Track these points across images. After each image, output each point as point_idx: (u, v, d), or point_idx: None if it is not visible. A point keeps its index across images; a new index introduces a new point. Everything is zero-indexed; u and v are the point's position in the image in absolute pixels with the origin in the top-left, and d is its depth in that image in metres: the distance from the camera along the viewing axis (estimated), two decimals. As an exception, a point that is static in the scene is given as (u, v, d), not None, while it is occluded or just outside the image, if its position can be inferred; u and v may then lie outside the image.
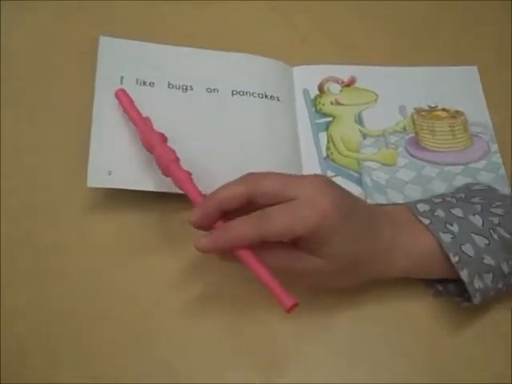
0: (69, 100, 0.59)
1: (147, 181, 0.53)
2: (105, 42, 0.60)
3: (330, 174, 0.58)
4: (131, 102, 0.55)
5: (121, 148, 0.55)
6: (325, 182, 0.46)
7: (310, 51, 0.65)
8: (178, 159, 0.50)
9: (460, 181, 0.58)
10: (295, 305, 0.43)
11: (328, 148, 0.60)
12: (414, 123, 0.62)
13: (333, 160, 0.59)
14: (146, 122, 0.53)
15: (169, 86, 0.59)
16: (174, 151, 0.50)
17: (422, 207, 0.49)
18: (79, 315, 0.50)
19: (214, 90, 0.60)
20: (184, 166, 0.51)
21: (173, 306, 0.50)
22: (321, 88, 0.63)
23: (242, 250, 0.44)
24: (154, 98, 0.58)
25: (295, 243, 0.46)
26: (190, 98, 0.59)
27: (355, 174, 0.58)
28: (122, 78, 0.58)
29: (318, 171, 0.58)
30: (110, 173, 0.53)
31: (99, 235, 0.53)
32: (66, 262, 0.52)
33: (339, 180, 0.58)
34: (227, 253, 0.46)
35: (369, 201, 0.56)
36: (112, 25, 0.63)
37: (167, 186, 0.52)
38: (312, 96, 0.63)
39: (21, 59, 0.62)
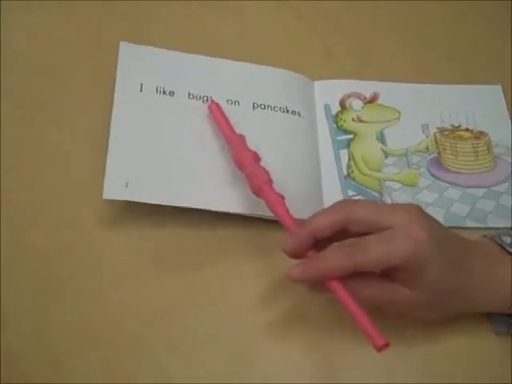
0: (86, 108, 0.59)
1: (167, 194, 0.52)
2: (125, 47, 0.60)
3: (350, 193, 0.57)
4: (225, 116, 0.56)
5: (139, 159, 0.54)
6: (418, 211, 0.46)
7: (333, 65, 0.65)
8: (271, 181, 0.50)
9: (483, 204, 0.57)
10: (386, 345, 0.42)
11: (349, 166, 0.59)
12: (436, 143, 0.61)
13: (353, 179, 0.58)
14: (240, 139, 0.53)
15: (189, 96, 0.59)
16: (267, 172, 0.51)
17: (507, 239, 0.48)
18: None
19: (235, 102, 0.59)
20: (203, 179, 0.53)
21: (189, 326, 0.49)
22: (342, 104, 0.63)
23: (334, 281, 0.44)
24: (173, 108, 0.57)
25: (386, 274, 0.46)
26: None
27: (376, 194, 0.58)
28: (141, 85, 0.58)
29: (339, 190, 0.58)
30: (126, 184, 0.52)
31: (118, 249, 0.52)
32: (87, 278, 0.51)
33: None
34: (318, 283, 0.46)
35: None
36: (133, 31, 0.63)
37: (188, 200, 0.52)
38: (333, 112, 0.62)
39: (31, 64, 0.61)
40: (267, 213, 0.51)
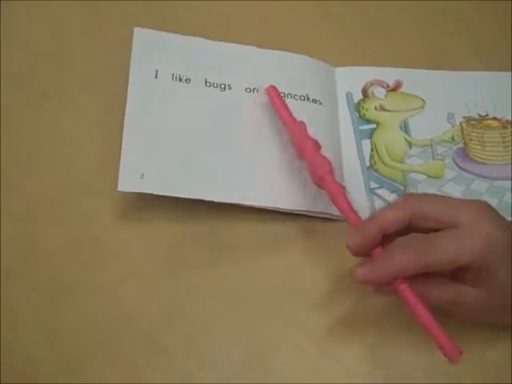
0: (99, 95, 0.58)
1: (185, 186, 0.52)
2: (139, 33, 0.59)
3: (372, 185, 0.57)
4: (283, 101, 0.55)
5: (155, 149, 0.53)
6: (486, 207, 0.45)
7: (355, 51, 0.64)
8: (332, 170, 0.50)
9: (510, 198, 0.56)
10: (459, 355, 0.41)
11: (371, 157, 0.58)
12: (462, 132, 0.60)
13: (376, 170, 0.57)
14: (301, 126, 0.53)
15: (206, 84, 0.58)
16: (329, 162, 0.50)
17: None
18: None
19: (254, 90, 0.58)
20: (223, 170, 0.53)
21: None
22: (365, 92, 0.61)
23: (402, 284, 0.43)
24: (190, 96, 0.57)
25: (454, 274, 0.45)
26: (228, 98, 0.57)
27: (400, 187, 0.56)
28: (156, 71, 0.57)
29: (361, 182, 0.57)
30: (142, 176, 0.51)
31: (130, 245, 0.51)
32: (108, 273, 0.50)
33: (383, 192, 0.56)
34: (384, 285, 0.44)
35: None
36: (147, 18, 0.62)
37: (209, 192, 0.52)
38: (355, 100, 0.61)
39: (47, 52, 0.60)
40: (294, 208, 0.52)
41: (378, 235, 0.44)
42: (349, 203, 0.48)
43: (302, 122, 0.53)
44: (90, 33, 0.61)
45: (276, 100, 0.55)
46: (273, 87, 0.56)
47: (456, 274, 0.44)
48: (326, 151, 0.55)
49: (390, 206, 0.46)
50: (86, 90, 0.58)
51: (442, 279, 0.45)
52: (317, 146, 0.52)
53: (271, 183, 0.54)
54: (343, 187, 0.49)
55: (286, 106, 0.55)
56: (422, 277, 0.43)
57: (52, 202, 0.52)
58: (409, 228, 0.45)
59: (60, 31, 0.61)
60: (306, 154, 0.51)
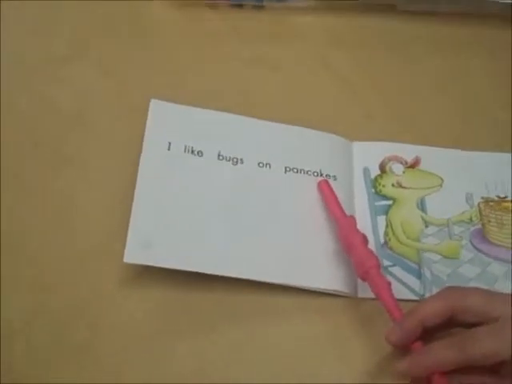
0: (114, 164, 0.64)
1: (195, 260, 0.57)
2: (155, 105, 0.66)
3: (386, 263, 0.62)
4: (334, 195, 0.62)
5: (165, 220, 0.59)
6: None
7: (373, 126, 0.70)
8: (379, 265, 0.56)
9: None
10: None
11: (386, 234, 0.64)
12: (480, 214, 0.66)
13: (391, 248, 0.63)
14: (351, 221, 0.59)
15: (219, 157, 0.64)
16: (375, 256, 0.56)
17: None
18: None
19: (267, 164, 0.65)
20: (231, 247, 0.58)
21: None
22: (382, 167, 0.68)
23: (441, 378, 0.49)
24: (202, 169, 0.63)
25: (494, 368, 0.49)
26: (240, 172, 0.64)
27: (414, 266, 0.62)
28: (169, 144, 0.64)
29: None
30: (150, 247, 0.57)
31: (136, 312, 0.57)
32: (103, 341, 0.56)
33: (397, 270, 0.62)
34: (423, 378, 0.50)
35: (427, 294, 0.60)
36: (167, 87, 0.70)
37: (217, 267, 0.57)
38: (372, 175, 0.67)
39: (64, 117, 0.68)
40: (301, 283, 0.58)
41: (418, 328, 0.50)
42: (394, 300, 0.54)
43: (351, 217, 0.60)
44: (111, 102, 0.69)
45: (328, 195, 0.61)
46: (325, 182, 0.62)
47: (496, 367, 0.49)
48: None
49: (430, 298, 0.52)
50: (103, 158, 0.65)
51: (481, 372, 0.49)
52: (365, 240, 0.57)
53: (293, 260, 0.59)
54: (389, 283, 0.54)
55: (337, 201, 0.61)
56: (462, 369, 0.48)
57: (62, 270, 0.58)
58: (450, 321, 0.50)
59: (83, 98, 0.69)
60: (354, 249, 0.56)
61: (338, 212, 0.60)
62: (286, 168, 0.65)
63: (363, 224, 0.63)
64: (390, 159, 0.68)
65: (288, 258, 0.60)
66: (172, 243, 0.58)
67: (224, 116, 0.67)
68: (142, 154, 0.62)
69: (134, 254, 0.56)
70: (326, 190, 0.62)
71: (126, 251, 0.56)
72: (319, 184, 0.63)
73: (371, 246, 0.61)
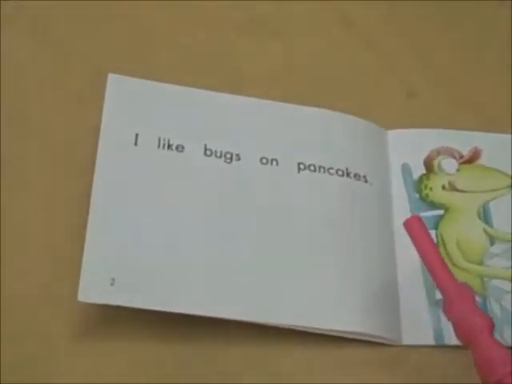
0: (59, 171, 0.62)
1: (175, 297, 0.54)
2: (115, 82, 0.62)
3: (439, 296, 0.56)
4: (431, 241, 0.55)
5: (133, 246, 0.56)
6: None
7: (415, 108, 0.68)
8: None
9: None
10: None
11: None
12: None
13: None
14: (465, 291, 0.53)
15: (205, 153, 0.61)
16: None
17: None
18: None
19: (272, 161, 0.61)
20: (225, 278, 0.56)
21: None
22: (429, 164, 0.64)
23: None
24: (183, 170, 0.60)
25: None
26: (236, 172, 0.61)
27: (478, 299, 0.58)
28: (136, 136, 0.60)
29: (422, 292, 0.59)
30: (113, 282, 0.54)
31: (98, 366, 0.54)
32: None
33: None
34: None
35: (497, 337, 0.55)
36: (129, 60, 0.67)
37: (206, 306, 0.54)
38: (415, 175, 0.64)
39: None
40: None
41: None
42: None
43: (465, 285, 0.53)
44: (53, 81, 0.66)
45: (419, 239, 0.55)
46: (416, 219, 0.55)
47: None
48: (372, 247, 0.60)
49: None
50: (42, 161, 0.62)
51: None
52: (490, 325, 0.51)
53: (312, 294, 0.57)
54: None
55: (437, 253, 0.55)
56: None
57: (4, 311, 0.55)
58: None
59: (14, 77, 0.66)
60: (476, 344, 0.51)
61: (443, 275, 0.53)
62: (299, 165, 0.62)
63: (405, 243, 0.58)
64: (438, 152, 0.65)
65: (305, 291, 0.57)
66: (143, 274, 0.55)
67: (211, 96, 0.64)
68: (99, 153, 0.58)
69: (93, 290, 0.53)
70: (416, 231, 0.55)
71: (80, 287, 0.52)
72: (407, 224, 0.56)
73: (416, 273, 0.59)
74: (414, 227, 0.55)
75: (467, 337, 0.51)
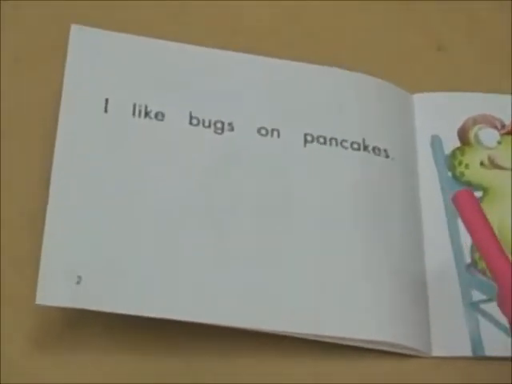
0: (16, 146, 0.60)
1: (157, 299, 0.53)
2: (79, 34, 0.61)
3: (476, 296, 0.57)
4: (487, 220, 0.54)
5: (103, 237, 0.54)
6: None
7: (447, 67, 0.67)
8: None
9: None
10: None
11: (475, 248, 0.58)
12: None
13: (482, 271, 0.58)
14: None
15: (191, 122, 0.59)
16: None
17: None
18: None
19: (273, 131, 0.60)
20: (219, 274, 0.54)
21: None
22: (464, 135, 0.63)
23: None
24: (164, 144, 0.58)
25: None
26: (228, 145, 0.59)
27: None
28: (106, 101, 0.58)
29: (456, 290, 0.57)
30: (79, 280, 0.52)
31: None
32: None
33: (493, 308, 0.55)
34: None
35: None
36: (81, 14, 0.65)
37: (197, 310, 0.53)
38: (448, 149, 0.63)
39: None
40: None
41: None
42: None
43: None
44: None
45: (469, 213, 0.54)
46: (468, 193, 0.54)
47: None
48: (395, 237, 0.59)
49: None
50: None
51: None
52: None
53: (326, 298, 0.55)
54: None
55: (493, 234, 0.53)
56: None
57: None
58: None
59: None
60: None
61: (500, 261, 0.51)
62: (305, 137, 0.60)
63: (434, 232, 0.60)
64: (475, 121, 0.63)
65: (314, 293, 0.56)
66: (116, 272, 0.53)
67: (198, 52, 0.63)
68: (60, 124, 0.57)
69: (54, 291, 0.51)
70: (468, 205, 0.54)
71: (38, 287, 0.51)
72: (457, 198, 0.54)
73: (449, 268, 0.59)
74: (466, 203, 0.54)
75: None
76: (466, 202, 0.54)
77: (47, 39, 0.64)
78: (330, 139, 0.60)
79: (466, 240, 0.58)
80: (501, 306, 0.51)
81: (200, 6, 0.68)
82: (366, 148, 0.60)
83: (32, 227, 0.55)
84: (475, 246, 0.56)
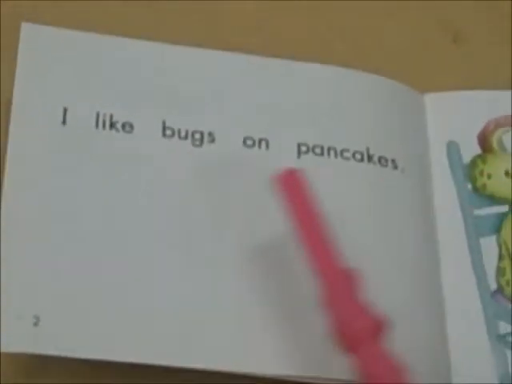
0: None
1: (120, 343, 0.53)
2: (31, 34, 0.61)
3: (504, 328, 0.57)
4: (307, 200, 0.55)
5: (61, 270, 0.54)
6: None
7: (465, 62, 0.67)
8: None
9: None
10: None
11: (501, 271, 0.60)
12: None
13: (511, 298, 0.59)
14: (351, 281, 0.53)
15: (164, 133, 0.59)
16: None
17: None
18: None
19: (261, 142, 0.60)
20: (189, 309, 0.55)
21: None
22: (485, 141, 0.63)
23: None
24: (133, 159, 0.58)
25: None
26: (209, 159, 0.59)
27: None
28: (65, 111, 0.58)
29: (481, 321, 0.58)
30: (36, 322, 0.52)
31: None
32: None
33: None
34: None
35: None
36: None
37: (168, 354, 0.53)
38: (467, 158, 0.63)
39: None
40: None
41: None
42: None
43: (352, 272, 0.53)
44: None
45: (294, 198, 0.55)
46: (291, 173, 0.55)
47: None
48: (407, 263, 0.59)
49: None
50: None
51: None
52: (379, 330, 0.52)
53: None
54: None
55: (313, 214, 0.54)
56: None
57: None
58: None
59: None
60: (358, 343, 0.51)
61: (321, 255, 0.54)
62: (299, 147, 0.60)
63: (453, 253, 0.60)
64: (498, 124, 0.64)
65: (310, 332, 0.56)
66: (78, 311, 0.53)
67: (171, 51, 0.63)
68: (10, 138, 0.57)
69: (11, 336, 0.51)
70: (292, 190, 0.55)
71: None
72: (280, 178, 0.55)
73: (472, 294, 0.59)
74: (290, 186, 0.55)
75: (345, 342, 0.52)
76: (291, 186, 0.55)
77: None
78: (328, 149, 0.60)
79: (490, 262, 0.59)
80: (323, 308, 0.52)
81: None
82: (370, 158, 0.60)
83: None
84: (299, 240, 0.55)
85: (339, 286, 0.54)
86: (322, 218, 0.55)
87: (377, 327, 0.52)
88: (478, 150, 0.63)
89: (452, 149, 0.63)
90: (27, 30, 0.60)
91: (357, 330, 0.52)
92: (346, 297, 0.53)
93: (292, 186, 0.55)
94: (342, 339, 0.52)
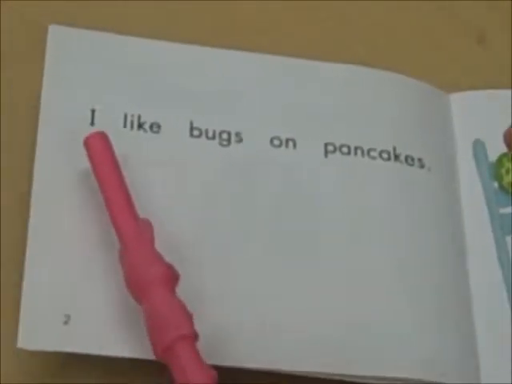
0: None
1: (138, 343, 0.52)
2: (59, 36, 0.61)
3: None
4: (113, 161, 0.56)
5: (92, 268, 0.54)
6: None
7: (490, 62, 0.68)
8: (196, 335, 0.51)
9: None
10: None
11: None
12: None
13: None
14: (144, 229, 0.54)
15: (192, 133, 0.59)
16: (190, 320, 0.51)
17: None
18: None
19: (288, 142, 0.60)
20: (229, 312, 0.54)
21: None
22: (511, 139, 0.63)
23: None
24: (161, 157, 0.59)
25: None
26: (237, 159, 0.59)
27: None
28: (93, 112, 0.59)
29: (509, 325, 0.57)
30: (66, 320, 0.52)
31: None
32: None
33: None
34: None
35: None
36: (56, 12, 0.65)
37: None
38: (493, 156, 0.63)
39: None
40: None
41: None
42: None
43: (147, 222, 0.54)
44: None
45: (100, 159, 0.56)
46: (99, 134, 0.56)
47: None
48: (434, 262, 0.59)
49: None
50: None
51: None
52: (171, 279, 0.52)
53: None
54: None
55: (117, 172, 0.56)
56: None
57: None
58: None
59: None
60: (148, 296, 0.52)
61: (119, 210, 0.55)
62: (326, 147, 0.61)
63: (480, 252, 0.60)
64: None
65: (339, 322, 0.56)
66: (110, 310, 0.53)
67: (197, 52, 0.64)
68: (39, 141, 0.57)
69: (38, 333, 0.52)
70: (98, 152, 0.56)
71: (20, 329, 0.51)
72: (87, 142, 0.56)
73: (500, 297, 0.59)
74: (98, 148, 0.56)
75: (138, 289, 0.52)
76: (98, 149, 0.56)
77: (22, 42, 0.65)
78: (355, 148, 0.60)
79: (517, 263, 0.59)
80: (121, 257, 0.53)
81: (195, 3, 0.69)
82: (397, 157, 0.61)
83: (14, 261, 0.55)
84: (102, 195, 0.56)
85: (135, 236, 0.54)
86: (122, 176, 0.56)
87: (170, 275, 0.52)
88: (503, 149, 0.63)
89: (478, 147, 0.63)
90: (55, 31, 0.61)
91: (152, 274, 0.52)
92: (141, 246, 0.54)
93: (97, 147, 0.56)
94: (136, 285, 0.52)
